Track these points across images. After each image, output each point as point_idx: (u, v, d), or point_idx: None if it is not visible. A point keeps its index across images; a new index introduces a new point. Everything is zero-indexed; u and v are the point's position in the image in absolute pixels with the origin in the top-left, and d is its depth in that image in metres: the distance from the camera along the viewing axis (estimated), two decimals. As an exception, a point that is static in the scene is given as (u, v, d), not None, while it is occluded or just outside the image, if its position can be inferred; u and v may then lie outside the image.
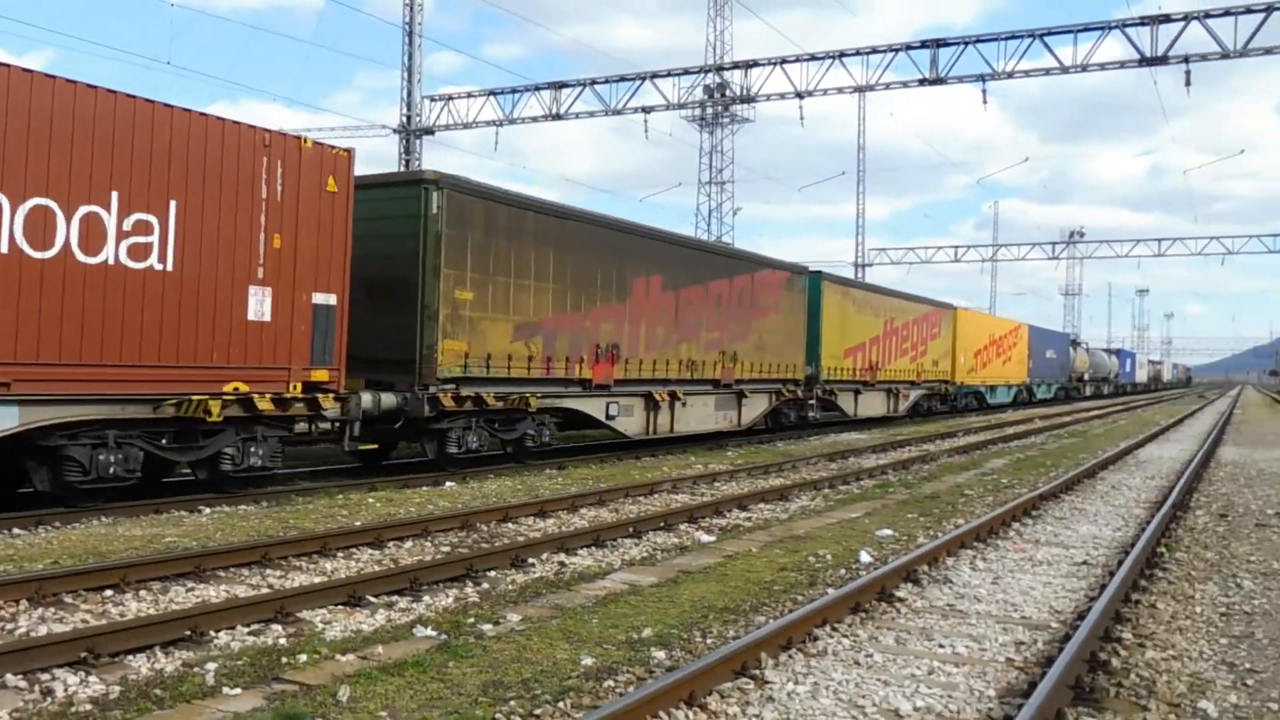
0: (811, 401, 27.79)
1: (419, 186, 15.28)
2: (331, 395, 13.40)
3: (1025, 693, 5.94)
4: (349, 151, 13.61)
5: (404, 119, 35.36)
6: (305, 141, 13.13)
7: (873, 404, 32.46)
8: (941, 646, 7.09)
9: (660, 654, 6.68)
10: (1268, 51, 26.32)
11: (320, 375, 13.24)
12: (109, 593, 8.00)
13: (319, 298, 13.20)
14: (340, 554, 9.84)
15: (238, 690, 5.83)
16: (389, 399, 14.72)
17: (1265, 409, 60.34)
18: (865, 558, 10.26)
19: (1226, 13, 26.21)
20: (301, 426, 13.41)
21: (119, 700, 5.63)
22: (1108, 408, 54.10)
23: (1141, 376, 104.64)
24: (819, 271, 28.77)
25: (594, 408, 18.84)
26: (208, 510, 12.06)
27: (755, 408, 24.83)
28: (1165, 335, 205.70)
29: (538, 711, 5.51)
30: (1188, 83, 27.07)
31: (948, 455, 22.41)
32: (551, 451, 18.91)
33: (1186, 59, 26.68)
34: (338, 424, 13.96)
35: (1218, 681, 6.52)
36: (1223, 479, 18.85)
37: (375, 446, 16.21)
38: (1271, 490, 17.13)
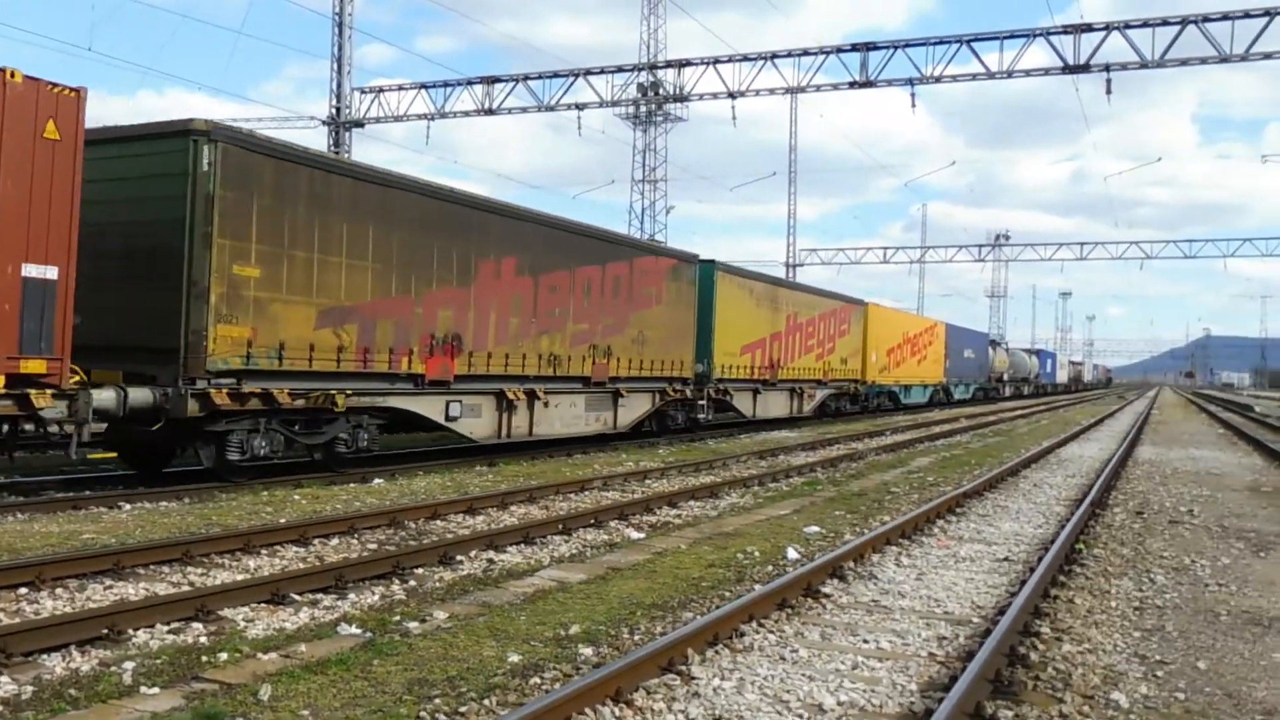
0: (702, 402, 25.55)
1: (185, 139, 12.64)
2: (50, 392, 10.92)
3: (946, 686, 6.05)
4: (78, 91, 10.94)
5: (333, 111, 34.97)
6: (13, 75, 10.33)
7: (774, 404, 30.41)
8: (866, 642, 7.19)
9: (588, 651, 6.69)
10: (1183, 63, 27.26)
11: (35, 367, 10.76)
12: (24, 590, 7.79)
13: (32, 270, 10.67)
14: (264, 551, 9.69)
15: (156, 689, 5.71)
16: (141, 395, 12.22)
17: (1180, 409, 62.10)
18: (792, 554, 10.36)
19: (1145, 24, 27.11)
20: (30, 427, 11.08)
21: (32, 700, 5.50)
22: (1031, 408, 55.27)
23: (1062, 377, 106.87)
24: (711, 260, 26.33)
25: (429, 407, 16.44)
26: (127, 506, 11.80)
27: (635, 409, 22.63)
28: (1087, 337, 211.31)
29: (463, 709, 5.49)
30: (1108, 91, 28.00)
31: (875, 454, 22.70)
32: (377, 458, 16.68)
33: (1108, 67, 27.49)
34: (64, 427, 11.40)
35: (1130, 673, 6.71)
36: (1140, 477, 19.36)
37: (114, 454, 14.65)
38: (1185, 488, 17.64)
